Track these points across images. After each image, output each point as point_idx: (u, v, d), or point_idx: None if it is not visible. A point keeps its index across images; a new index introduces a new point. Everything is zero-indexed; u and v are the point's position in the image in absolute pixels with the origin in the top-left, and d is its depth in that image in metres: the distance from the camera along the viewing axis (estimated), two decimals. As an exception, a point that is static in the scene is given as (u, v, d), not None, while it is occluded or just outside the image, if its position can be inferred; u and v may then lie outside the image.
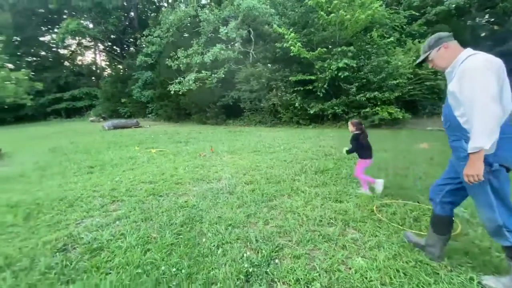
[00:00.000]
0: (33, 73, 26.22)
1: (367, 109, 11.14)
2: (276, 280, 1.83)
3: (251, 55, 15.03)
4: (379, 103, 11.05)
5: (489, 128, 1.45)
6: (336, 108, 11.73)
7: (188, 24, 16.85)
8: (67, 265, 2.05)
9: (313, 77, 12.28)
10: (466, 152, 1.57)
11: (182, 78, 15.07)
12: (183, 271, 1.91)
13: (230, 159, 5.86)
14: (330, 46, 12.58)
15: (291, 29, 12.39)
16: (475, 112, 1.48)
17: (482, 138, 1.45)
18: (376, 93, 10.91)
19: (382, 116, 10.66)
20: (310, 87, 12.42)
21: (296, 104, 12.42)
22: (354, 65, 11.29)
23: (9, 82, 22.23)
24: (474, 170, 1.52)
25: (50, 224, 2.79)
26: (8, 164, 6.34)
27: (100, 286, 1.78)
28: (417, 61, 1.95)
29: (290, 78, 13.05)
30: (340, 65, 11.02)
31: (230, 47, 15.00)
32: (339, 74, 11.24)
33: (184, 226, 2.64)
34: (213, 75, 14.44)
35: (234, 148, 7.13)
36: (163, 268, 1.95)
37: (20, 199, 3.59)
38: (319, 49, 11.45)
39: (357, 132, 3.38)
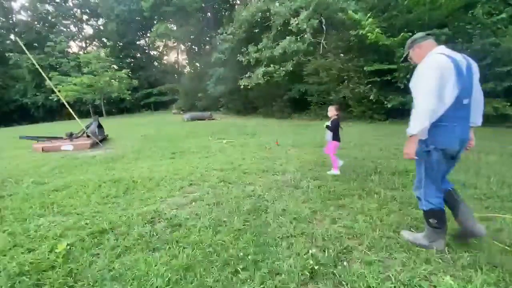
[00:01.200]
0: (131, 72, 31.35)
1: (463, 103, 9.31)
2: (343, 283, 1.72)
3: (321, 45, 14.36)
4: (480, 96, 9.13)
5: (419, 119, 1.77)
6: (420, 101, 10.20)
7: (259, 20, 17.14)
8: (154, 235, 2.39)
9: (393, 67, 10.95)
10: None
11: (251, 73, 15.55)
12: (249, 256, 1.98)
13: (295, 153, 5.79)
14: (416, 30, 10.92)
15: (368, 14, 11.26)
16: (414, 104, 1.81)
17: (412, 126, 1.80)
18: (476, 83, 9.04)
19: (484, 112, 8.78)
20: (389, 78, 11.15)
21: (371, 97, 11.35)
22: (448, 50, 9.54)
23: (114, 80, 27.30)
24: (407, 149, 1.88)
25: (142, 199, 3.29)
26: (113, 147, 7.77)
27: (179, 258, 2.00)
28: (401, 60, 2.33)
29: (364, 68, 11.96)
30: (429, 51, 9.48)
31: (299, 39, 14.64)
32: (427, 61, 9.69)
33: (251, 214, 2.74)
34: (281, 68, 14.41)
35: (299, 142, 7.01)
36: (231, 250, 2.07)
37: (121, 176, 4.34)
38: (402, 34, 10.10)
39: (335, 116, 3.91)
